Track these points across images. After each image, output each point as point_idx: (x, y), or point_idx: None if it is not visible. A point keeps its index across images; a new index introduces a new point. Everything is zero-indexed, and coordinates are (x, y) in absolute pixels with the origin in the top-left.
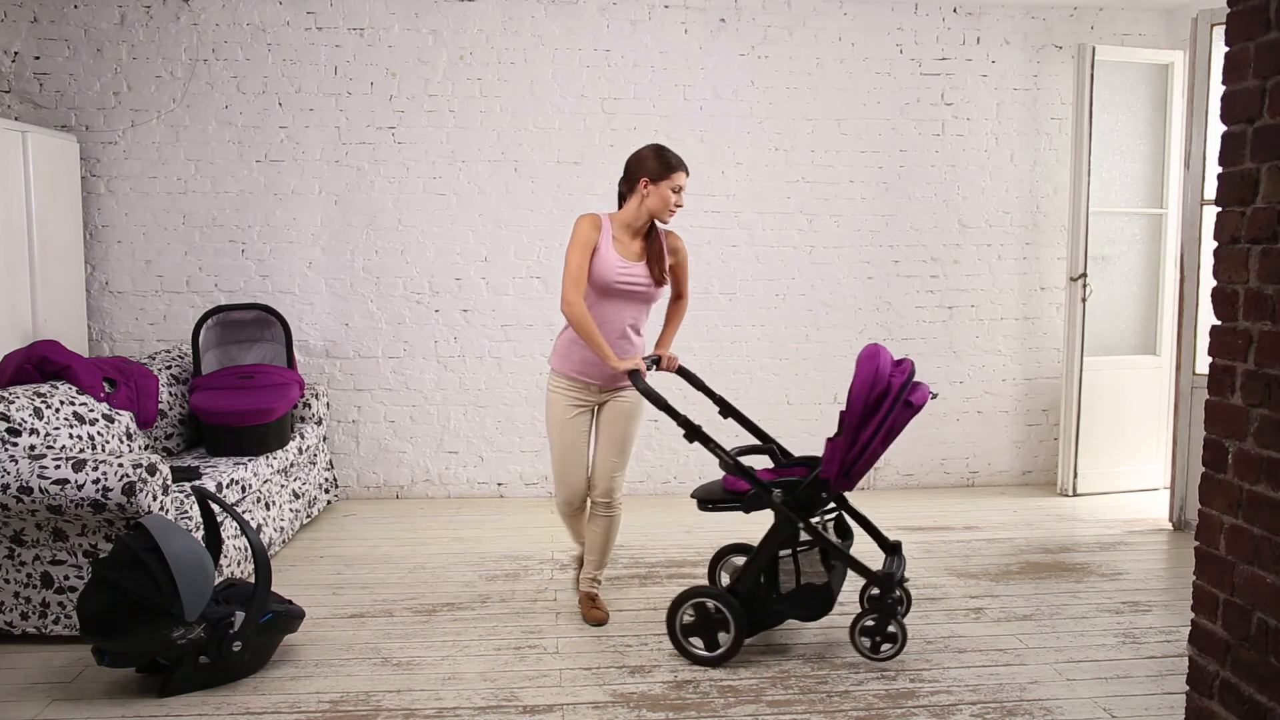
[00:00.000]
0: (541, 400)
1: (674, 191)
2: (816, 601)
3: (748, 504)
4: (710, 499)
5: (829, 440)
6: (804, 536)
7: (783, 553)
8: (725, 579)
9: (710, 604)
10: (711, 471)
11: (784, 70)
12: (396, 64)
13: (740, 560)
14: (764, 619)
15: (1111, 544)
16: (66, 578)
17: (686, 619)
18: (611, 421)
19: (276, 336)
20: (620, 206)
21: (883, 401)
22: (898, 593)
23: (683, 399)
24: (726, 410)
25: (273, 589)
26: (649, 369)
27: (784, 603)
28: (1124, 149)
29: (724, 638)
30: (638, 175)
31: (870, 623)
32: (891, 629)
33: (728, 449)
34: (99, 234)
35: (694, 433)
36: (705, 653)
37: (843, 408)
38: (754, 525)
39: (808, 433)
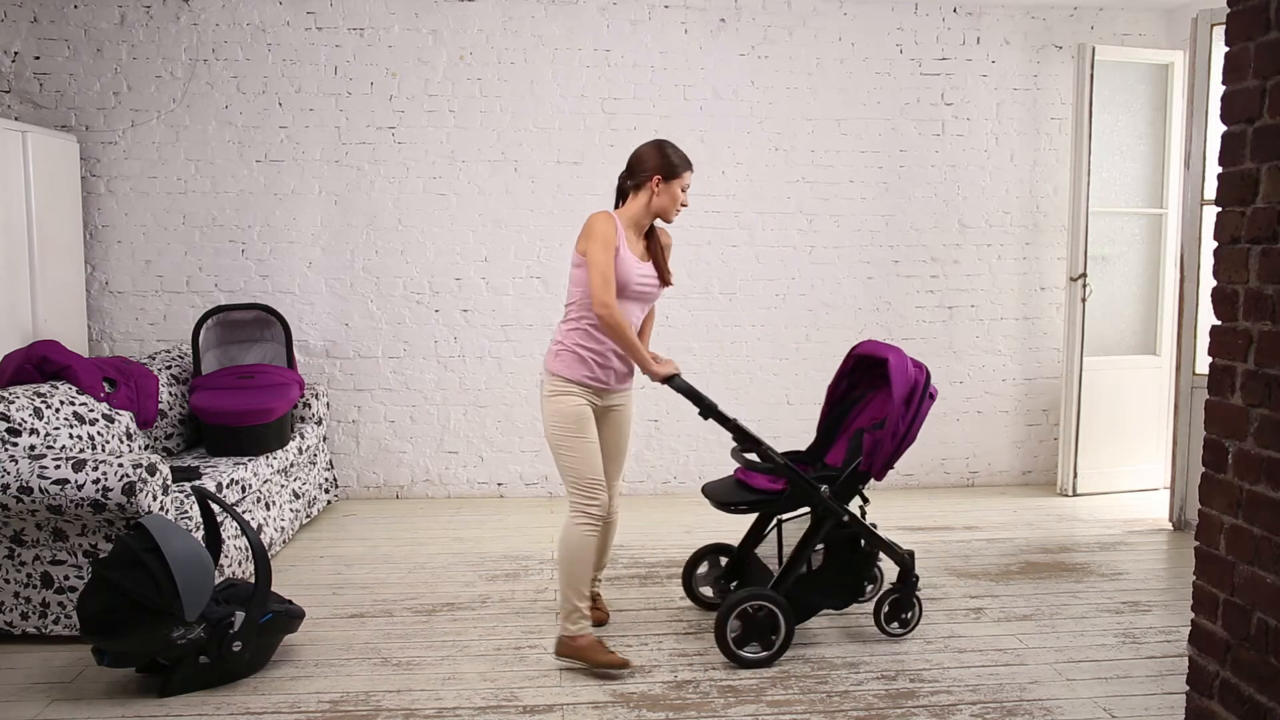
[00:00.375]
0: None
1: (683, 190)
2: (853, 589)
3: (786, 501)
4: (735, 500)
5: (867, 433)
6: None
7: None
8: (708, 591)
9: (767, 607)
10: (711, 471)
11: (784, 70)
12: (396, 64)
13: (703, 569)
14: (803, 613)
15: (1111, 544)
16: (66, 578)
17: (737, 623)
18: (610, 429)
19: (276, 336)
20: (619, 202)
21: (913, 396)
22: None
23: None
24: (707, 412)
25: (273, 589)
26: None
27: (819, 593)
28: (1124, 149)
29: (751, 648)
30: (648, 172)
31: (897, 596)
32: (912, 610)
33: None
34: (99, 234)
35: (745, 437)
36: (752, 655)
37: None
38: (738, 526)
39: (808, 433)
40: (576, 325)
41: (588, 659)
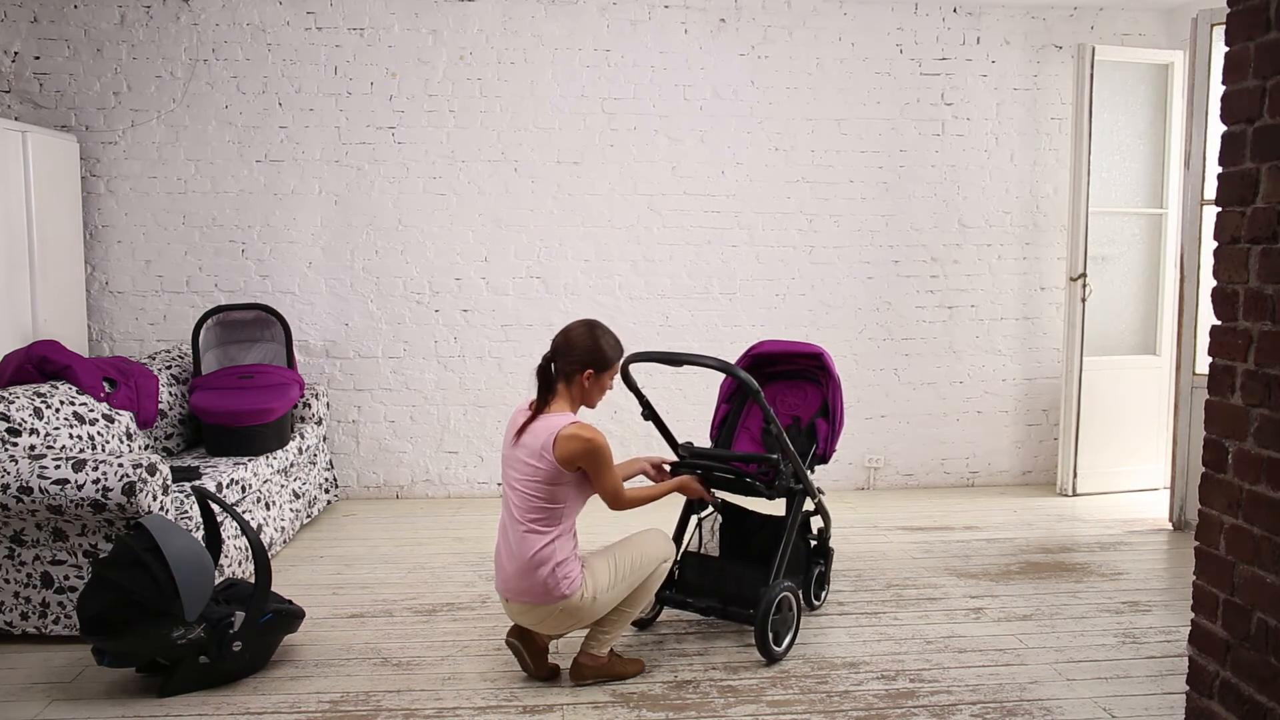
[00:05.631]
0: None
1: (611, 379)
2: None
3: (777, 490)
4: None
5: (820, 420)
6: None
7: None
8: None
9: (794, 600)
10: None
11: (784, 70)
12: (396, 64)
13: None
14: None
15: (1111, 544)
16: (66, 578)
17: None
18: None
19: (276, 336)
20: (546, 390)
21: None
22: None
23: (665, 393)
24: (649, 413)
25: (273, 589)
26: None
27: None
28: (1124, 149)
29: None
30: (578, 363)
31: (822, 569)
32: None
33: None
34: (99, 234)
35: (789, 460)
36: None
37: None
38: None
39: None
40: (566, 534)
41: (613, 674)
